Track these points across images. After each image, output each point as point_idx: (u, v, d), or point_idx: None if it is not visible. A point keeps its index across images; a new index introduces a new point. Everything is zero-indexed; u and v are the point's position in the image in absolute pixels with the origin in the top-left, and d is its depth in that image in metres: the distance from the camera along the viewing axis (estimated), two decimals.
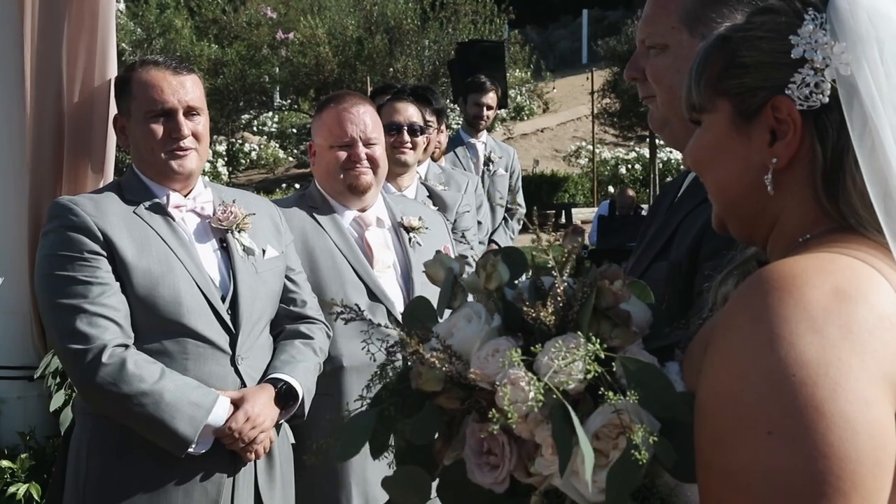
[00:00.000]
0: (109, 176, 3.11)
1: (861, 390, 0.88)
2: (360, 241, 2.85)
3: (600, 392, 0.96)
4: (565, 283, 1.02)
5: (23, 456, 3.02)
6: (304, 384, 2.43)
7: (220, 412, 2.25)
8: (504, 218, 6.23)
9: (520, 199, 6.40)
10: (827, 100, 1.03)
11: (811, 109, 1.04)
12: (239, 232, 2.45)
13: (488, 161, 6.13)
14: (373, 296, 2.76)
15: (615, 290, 0.99)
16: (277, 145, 20.95)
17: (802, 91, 1.04)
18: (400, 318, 2.72)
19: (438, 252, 3.26)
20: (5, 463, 2.99)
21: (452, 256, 1.19)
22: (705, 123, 1.14)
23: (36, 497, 2.94)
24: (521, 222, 6.46)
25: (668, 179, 17.76)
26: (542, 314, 0.99)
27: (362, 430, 1.05)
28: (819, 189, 1.05)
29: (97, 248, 2.25)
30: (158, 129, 2.39)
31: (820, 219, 1.06)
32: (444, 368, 1.02)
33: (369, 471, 2.66)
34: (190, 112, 2.42)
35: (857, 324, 0.91)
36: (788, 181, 1.07)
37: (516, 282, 1.08)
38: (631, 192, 12.19)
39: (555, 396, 0.95)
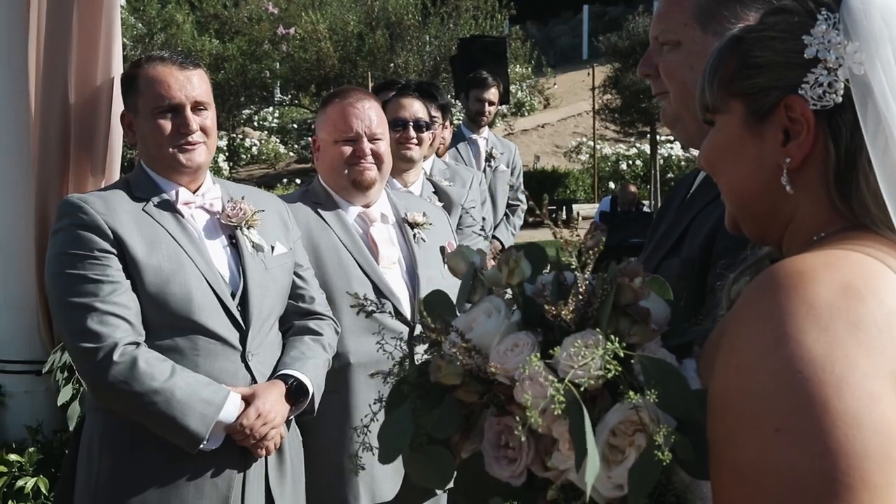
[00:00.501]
0: (116, 173, 3.12)
1: (868, 386, 0.88)
2: (364, 237, 2.85)
3: (619, 389, 0.97)
4: (586, 281, 1.03)
5: (30, 450, 3.04)
6: (314, 380, 2.43)
7: (231, 409, 2.26)
8: (505, 213, 6.24)
9: (521, 194, 6.41)
10: (840, 99, 1.04)
11: (824, 109, 1.04)
12: (248, 228, 2.45)
13: (490, 157, 6.13)
14: (379, 292, 2.75)
15: (635, 287, 1.00)
16: (278, 140, 20.96)
17: (816, 91, 1.04)
18: (406, 314, 2.75)
19: (443, 248, 3.23)
20: (13, 457, 3.00)
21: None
22: (718, 124, 1.15)
23: (44, 491, 2.95)
24: (523, 218, 6.47)
25: (669, 175, 17.77)
26: (562, 312, 0.99)
27: (402, 429, 1.06)
28: (832, 188, 1.05)
29: (107, 246, 2.26)
30: (166, 124, 2.39)
31: (834, 218, 1.06)
32: (463, 362, 1.03)
33: (376, 468, 2.66)
34: (197, 107, 2.42)
35: (865, 319, 0.92)
36: (802, 181, 1.07)
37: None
38: (633, 188, 12.13)
39: (572, 394, 0.96)
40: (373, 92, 4.30)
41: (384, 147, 2.89)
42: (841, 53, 1.04)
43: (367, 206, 2.89)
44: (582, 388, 0.96)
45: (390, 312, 2.73)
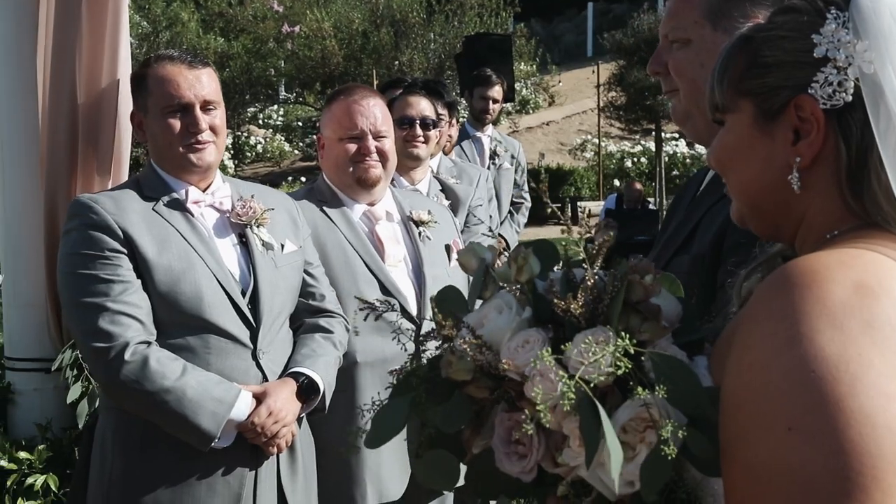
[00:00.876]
0: (124, 171, 3.13)
1: (882, 385, 0.88)
2: (370, 235, 2.84)
3: (629, 385, 0.97)
4: (596, 276, 1.04)
5: (40, 447, 3.04)
6: (325, 378, 2.44)
7: (242, 407, 2.26)
8: (510, 211, 6.24)
9: (525, 192, 6.40)
10: (850, 98, 1.04)
11: (834, 108, 1.05)
12: (258, 227, 2.45)
13: (494, 155, 6.13)
14: (385, 290, 2.74)
15: (646, 285, 1.00)
16: (283, 138, 20.97)
17: (825, 90, 1.05)
18: (413, 312, 2.75)
19: (448, 246, 3.22)
20: (23, 454, 3.00)
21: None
22: (728, 123, 1.15)
23: (53, 488, 2.96)
24: (527, 216, 6.47)
25: (675, 173, 17.73)
26: (571, 307, 1.00)
27: (396, 418, 1.06)
28: (844, 187, 1.05)
29: (118, 246, 2.27)
30: (176, 123, 2.39)
31: (846, 216, 1.06)
32: (474, 358, 1.04)
33: (383, 467, 2.66)
34: (206, 106, 2.42)
35: (879, 318, 0.91)
36: (813, 179, 1.08)
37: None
38: (638, 186, 12.09)
39: (583, 390, 0.97)
40: (379, 90, 4.30)
41: (389, 144, 2.88)
42: (850, 52, 1.04)
43: (371, 203, 2.89)
44: (592, 385, 0.97)
45: (397, 311, 2.73)
